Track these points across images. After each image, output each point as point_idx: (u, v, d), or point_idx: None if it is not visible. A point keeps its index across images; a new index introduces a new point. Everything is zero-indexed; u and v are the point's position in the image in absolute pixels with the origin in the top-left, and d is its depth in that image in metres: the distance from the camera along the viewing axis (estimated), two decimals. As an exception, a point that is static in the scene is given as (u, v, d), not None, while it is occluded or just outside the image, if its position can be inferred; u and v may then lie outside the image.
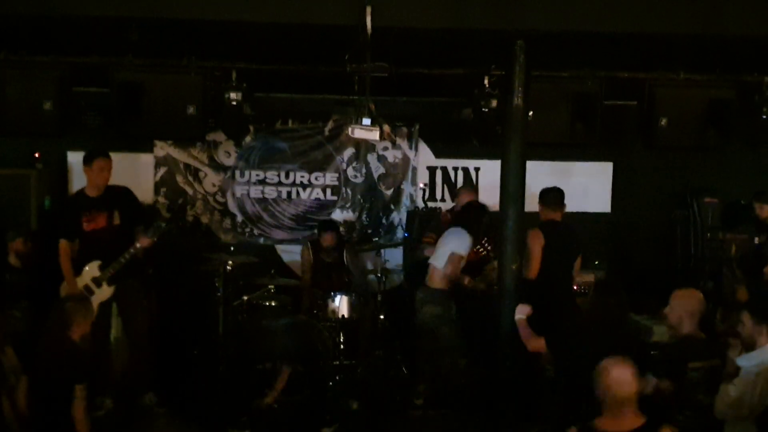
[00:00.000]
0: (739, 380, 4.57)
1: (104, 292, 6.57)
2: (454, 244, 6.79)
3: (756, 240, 7.53)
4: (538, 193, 8.33)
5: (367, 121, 5.86)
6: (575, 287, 7.17)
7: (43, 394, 5.14)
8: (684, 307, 5.27)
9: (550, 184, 7.35)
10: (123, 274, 6.55)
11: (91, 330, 5.47)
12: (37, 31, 6.22)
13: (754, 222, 7.96)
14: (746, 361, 4.64)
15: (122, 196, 6.78)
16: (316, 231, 8.18)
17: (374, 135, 5.94)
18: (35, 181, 7.81)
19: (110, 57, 6.57)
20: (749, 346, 4.68)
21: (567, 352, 5.32)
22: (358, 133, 5.91)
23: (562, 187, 7.08)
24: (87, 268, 6.53)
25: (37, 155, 7.95)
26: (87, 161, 6.58)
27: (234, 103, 6.78)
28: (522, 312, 5.75)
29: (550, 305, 6.33)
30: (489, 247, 7.30)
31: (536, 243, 6.59)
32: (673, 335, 5.40)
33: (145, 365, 6.84)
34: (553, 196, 6.85)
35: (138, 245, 6.54)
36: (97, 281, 6.55)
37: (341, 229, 8.47)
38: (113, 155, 7.80)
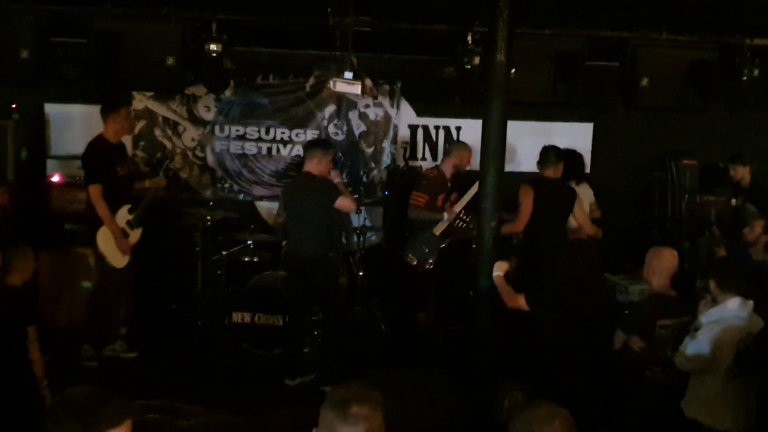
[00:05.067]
0: (697, 334, 4.69)
1: (136, 234, 6.93)
2: None
3: (733, 202, 7.60)
4: (518, 152, 8.41)
5: (348, 74, 5.84)
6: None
7: None
8: (656, 264, 5.37)
9: (530, 144, 7.39)
10: (146, 216, 6.95)
11: (33, 275, 5.45)
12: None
13: (731, 185, 8.04)
14: (706, 318, 4.77)
15: (125, 146, 7.21)
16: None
17: (356, 89, 5.93)
18: (12, 132, 7.67)
19: (88, 5, 6.47)
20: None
21: (542, 309, 5.38)
22: (340, 86, 5.89)
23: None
24: (119, 212, 6.78)
25: (13, 106, 7.81)
26: (114, 108, 6.79)
27: (214, 55, 6.71)
28: (500, 269, 5.77)
29: (539, 259, 6.44)
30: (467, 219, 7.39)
31: (525, 196, 6.83)
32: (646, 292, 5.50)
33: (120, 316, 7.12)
34: (543, 154, 7.02)
35: (156, 186, 7.12)
36: (130, 224, 6.85)
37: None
38: (91, 108, 7.77)
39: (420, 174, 7.94)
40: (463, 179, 7.69)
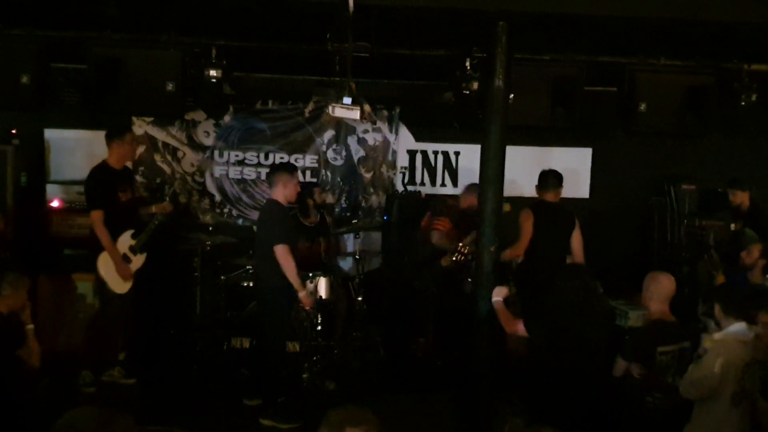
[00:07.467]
0: (703, 359, 4.66)
1: (139, 260, 6.90)
2: None
3: (732, 227, 7.58)
4: (516, 178, 8.41)
5: (347, 100, 5.84)
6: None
7: None
8: (654, 290, 5.35)
9: (529, 169, 7.39)
10: (150, 242, 6.95)
11: (24, 303, 5.38)
12: (13, 3, 6.12)
13: (730, 209, 8.04)
14: (711, 343, 4.74)
15: (130, 171, 7.33)
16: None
17: (354, 114, 5.92)
18: (11, 158, 7.69)
19: (88, 31, 6.50)
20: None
21: (540, 334, 5.35)
22: (339, 111, 5.89)
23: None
24: (122, 237, 6.79)
25: (13, 131, 7.83)
26: (119, 134, 6.86)
27: (213, 80, 6.71)
28: (499, 294, 5.75)
29: (539, 283, 6.42)
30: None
31: (525, 220, 6.91)
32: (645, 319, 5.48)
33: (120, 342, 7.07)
34: (542, 178, 7.10)
35: (162, 211, 7.06)
36: (133, 249, 6.85)
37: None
38: (91, 133, 7.80)
39: (441, 201, 8.07)
40: (468, 218, 7.69)
